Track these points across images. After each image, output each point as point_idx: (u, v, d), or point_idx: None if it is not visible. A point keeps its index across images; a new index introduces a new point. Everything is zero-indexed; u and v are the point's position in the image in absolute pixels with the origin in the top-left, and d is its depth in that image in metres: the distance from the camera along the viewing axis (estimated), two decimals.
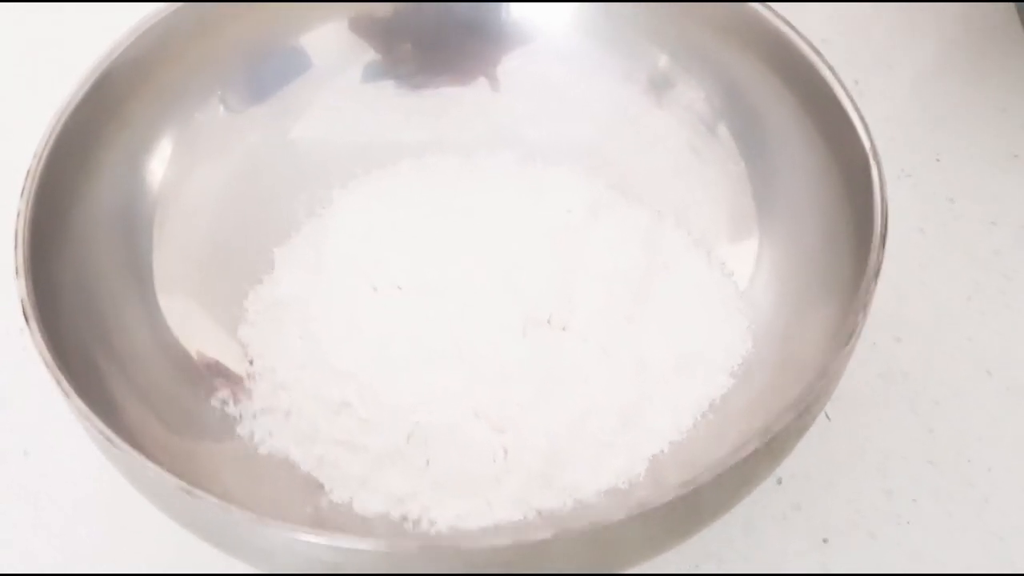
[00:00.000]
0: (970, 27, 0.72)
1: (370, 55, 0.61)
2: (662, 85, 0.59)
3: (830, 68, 0.52)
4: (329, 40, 0.60)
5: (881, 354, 0.58)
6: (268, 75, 0.59)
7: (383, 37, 0.60)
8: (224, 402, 0.53)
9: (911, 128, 0.67)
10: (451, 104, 0.61)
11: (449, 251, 0.55)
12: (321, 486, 0.51)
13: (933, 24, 0.72)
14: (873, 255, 0.46)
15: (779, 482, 0.54)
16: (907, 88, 0.69)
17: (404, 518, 0.50)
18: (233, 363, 0.54)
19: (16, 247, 0.48)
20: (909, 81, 0.69)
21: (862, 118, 0.50)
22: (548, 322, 0.54)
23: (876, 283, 0.45)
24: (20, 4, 0.75)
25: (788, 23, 0.53)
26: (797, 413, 0.42)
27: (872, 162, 0.49)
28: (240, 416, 0.53)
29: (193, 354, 0.54)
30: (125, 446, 0.43)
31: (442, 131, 0.61)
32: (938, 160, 0.66)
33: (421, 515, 0.50)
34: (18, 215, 0.49)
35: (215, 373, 0.54)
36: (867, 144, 0.49)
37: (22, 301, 0.46)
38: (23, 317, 0.46)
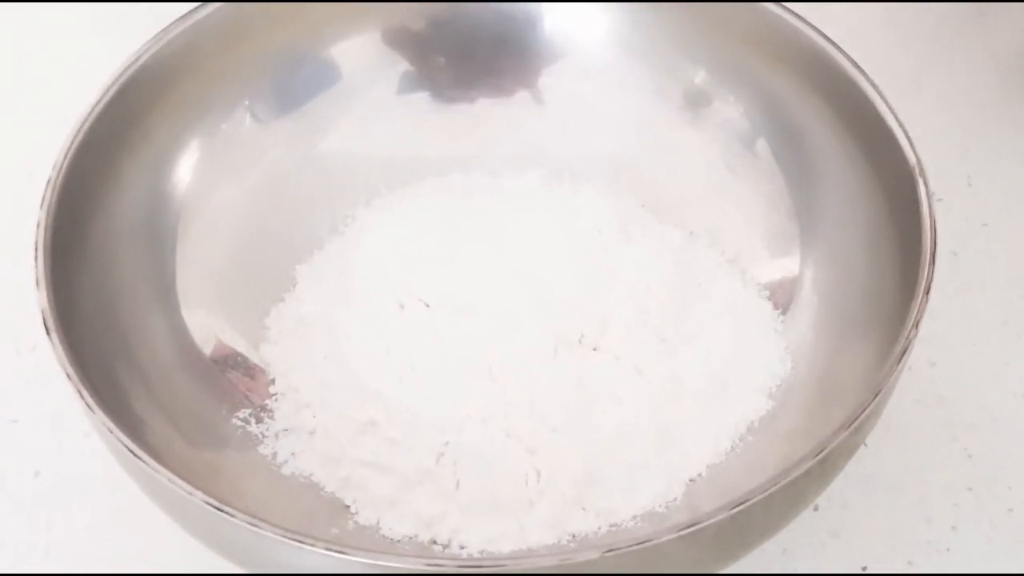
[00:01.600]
0: (1000, 50, 0.71)
1: (403, 67, 0.60)
2: (698, 101, 0.58)
3: (872, 83, 0.51)
4: (360, 51, 0.59)
5: (917, 379, 0.57)
6: (297, 86, 0.58)
7: (416, 49, 0.59)
8: (246, 421, 0.51)
9: (942, 151, 0.66)
10: (479, 120, 0.60)
11: (476, 269, 0.54)
12: (347, 508, 0.49)
13: (962, 47, 0.71)
14: (923, 270, 0.45)
15: (816, 509, 0.53)
16: (937, 111, 0.68)
17: (433, 541, 0.48)
18: (255, 381, 0.53)
19: (36, 258, 0.46)
20: (939, 104, 0.68)
21: (906, 133, 0.49)
22: (579, 342, 0.52)
23: (928, 299, 0.44)
24: (42, 11, 0.74)
25: (827, 37, 0.53)
26: (851, 431, 0.41)
27: (918, 177, 0.48)
28: (262, 436, 0.51)
29: (215, 370, 0.52)
30: (151, 461, 0.41)
31: (469, 148, 0.60)
32: (969, 184, 0.65)
33: (451, 538, 0.48)
34: (38, 226, 0.47)
35: (237, 390, 0.52)
36: (912, 159, 0.48)
37: (43, 312, 0.45)
38: (44, 328, 0.45)
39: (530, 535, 0.48)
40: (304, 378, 0.52)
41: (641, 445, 0.50)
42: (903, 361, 0.43)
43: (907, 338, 0.43)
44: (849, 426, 0.41)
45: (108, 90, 0.51)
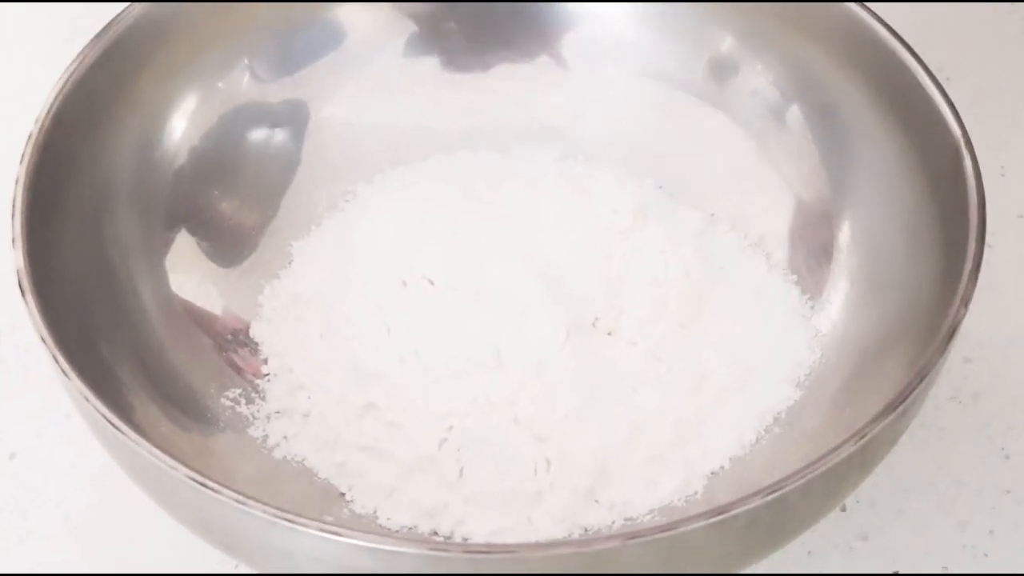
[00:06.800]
0: None
1: (411, 30, 0.57)
2: (724, 70, 0.55)
3: (912, 51, 0.48)
4: (368, 12, 0.56)
5: (950, 375, 0.54)
6: (299, 47, 0.55)
7: (426, 12, 0.56)
8: (236, 401, 0.49)
9: (975, 141, 0.62)
10: (490, 93, 0.57)
11: (485, 247, 0.52)
12: (342, 495, 0.47)
13: (996, 36, 0.68)
14: (971, 245, 0.42)
15: (843, 510, 0.50)
16: (970, 100, 0.65)
17: (434, 532, 0.46)
18: (247, 360, 0.50)
19: (13, 216, 0.44)
20: (972, 94, 0.65)
21: (951, 104, 0.46)
22: (593, 325, 0.50)
23: (977, 278, 0.41)
24: None
25: (863, 4, 0.50)
26: (896, 414, 0.38)
27: (964, 151, 0.45)
28: (253, 417, 0.49)
29: (205, 345, 0.50)
30: (131, 432, 0.38)
31: (478, 122, 0.57)
32: (1003, 175, 0.62)
33: (453, 530, 0.46)
34: (16, 182, 0.45)
35: (228, 368, 0.50)
36: (957, 132, 0.46)
37: (18, 272, 0.42)
38: (19, 290, 0.42)
39: (539, 528, 0.45)
40: (299, 358, 0.50)
41: (659, 435, 0.47)
42: (951, 342, 0.40)
43: (955, 317, 0.40)
44: (894, 409, 0.38)
45: (98, 42, 0.49)
